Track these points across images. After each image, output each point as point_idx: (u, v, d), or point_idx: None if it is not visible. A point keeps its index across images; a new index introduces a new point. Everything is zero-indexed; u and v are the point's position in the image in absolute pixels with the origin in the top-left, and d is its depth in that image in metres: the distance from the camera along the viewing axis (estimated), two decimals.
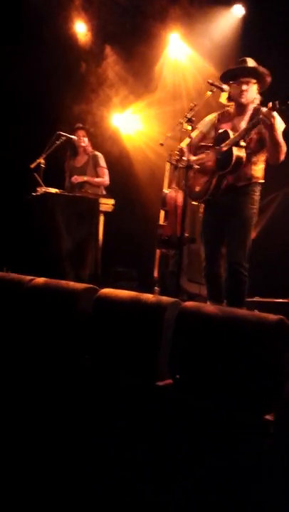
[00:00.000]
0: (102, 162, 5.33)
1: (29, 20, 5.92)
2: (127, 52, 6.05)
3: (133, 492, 1.81)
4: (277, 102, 3.12)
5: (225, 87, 3.49)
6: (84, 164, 5.35)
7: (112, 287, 2.30)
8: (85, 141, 5.32)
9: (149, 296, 2.11)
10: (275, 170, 3.53)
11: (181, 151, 3.42)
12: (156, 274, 4.76)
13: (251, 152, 3.40)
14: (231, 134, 3.40)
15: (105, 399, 2.00)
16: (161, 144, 3.49)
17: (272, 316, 1.74)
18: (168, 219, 4.19)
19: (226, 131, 3.45)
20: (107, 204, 5.05)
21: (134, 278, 5.34)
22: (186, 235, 4.08)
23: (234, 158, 3.33)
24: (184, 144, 3.50)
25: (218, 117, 3.62)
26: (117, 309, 2.11)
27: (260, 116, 3.19)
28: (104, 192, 5.31)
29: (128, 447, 1.88)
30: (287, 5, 4.82)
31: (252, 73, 3.44)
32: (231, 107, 3.57)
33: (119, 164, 6.08)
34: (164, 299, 2.07)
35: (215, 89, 3.52)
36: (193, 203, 3.79)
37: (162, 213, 4.44)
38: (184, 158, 3.37)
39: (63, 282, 2.38)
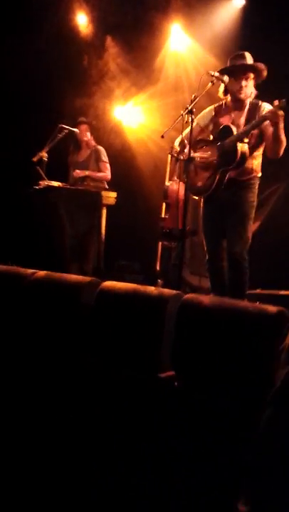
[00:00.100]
0: (104, 157, 5.33)
1: (30, 12, 5.90)
2: (128, 44, 6.03)
3: (135, 487, 1.83)
4: (284, 101, 3.15)
5: (225, 78, 3.49)
6: (86, 158, 5.35)
7: (116, 280, 2.31)
8: (87, 136, 5.32)
9: (151, 289, 2.12)
10: (276, 163, 3.57)
11: (182, 143, 3.43)
12: (158, 267, 4.77)
13: (251, 147, 3.44)
14: (234, 130, 3.41)
15: (108, 392, 2.02)
16: (162, 136, 3.49)
17: (272, 308, 1.75)
18: (169, 212, 4.19)
19: (228, 127, 3.46)
20: (109, 197, 5.06)
21: (137, 271, 5.35)
22: (188, 227, 4.09)
23: (239, 154, 3.36)
24: (183, 135, 3.51)
25: (215, 110, 3.63)
26: (119, 302, 2.12)
27: (268, 113, 3.19)
28: (106, 186, 5.32)
29: (130, 441, 1.90)
30: None
31: (250, 69, 3.45)
32: (228, 100, 3.58)
33: (122, 157, 6.07)
34: (166, 291, 2.08)
35: (215, 80, 3.52)
36: (195, 197, 3.81)
37: (164, 206, 4.44)
38: (186, 150, 3.38)
39: (66, 275, 2.39)
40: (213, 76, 3.51)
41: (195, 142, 3.59)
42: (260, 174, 3.56)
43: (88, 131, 5.35)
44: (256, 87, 3.53)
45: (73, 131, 5.15)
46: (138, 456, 1.87)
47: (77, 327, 2.20)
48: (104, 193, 4.98)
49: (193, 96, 3.53)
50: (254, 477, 1.22)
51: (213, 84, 3.56)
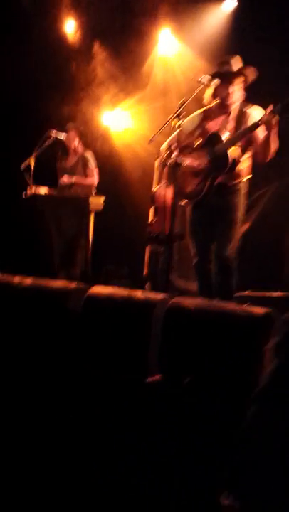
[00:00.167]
0: (91, 163, 5.34)
1: (18, 19, 5.90)
2: (116, 50, 6.04)
3: (128, 489, 1.83)
4: (279, 106, 3.18)
5: (216, 81, 3.50)
6: (74, 164, 5.35)
7: (104, 285, 2.31)
8: (75, 141, 5.33)
9: (138, 294, 2.12)
10: (265, 165, 3.58)
11: (169, 148, 3.44)
12: (145, 271, 4.78)
13: (240, 151, 3.45)
14: (223, 136, 3.43)
15: (96, 397, 2.01)
16: (150, 142, 3.50)
17: (259, 310, 1.76)
18: (157, 216, 4.20)
19: (216, 133, 3.48)
20: (97, 202, 5.05)
21: (126, 276, 5.35)
22: (176, 231, 4.09)
23: (230, 159, 3.40)
24: (170, 140, 3.53)
25: (202, 115, 3.64)
26: (106, 307, 2.12)
27: (263, 119, 3.24)
28: (94, 191, 5.32)
29: (120, 444, 1.89)
30: None
31: (236, 75, 3.48)
32: (215, 104, 3.60)
33: (109, 162, 6.07)
34: (153, 295, 2.08)
35: (203, 87, 3.53)
36: (182, 202, 3.83)
37: (152, 210, 4.45)
38: (173, 155, 3.39)
39: (53, 282, 2.38)
40: (200, 82, 3.52)
41: (182, 147, 3.60)
42: (248, 177, 3.58)
43: (77, 137, 5.35)
44: (245, 89, 3.55)
45: (61, 138, 5.15)
46: (125, 460, 1.86)
47: (64, 333, 2.19)
48: (91, 199, 4.97)
49: (181, 101, 3.55)
50: (239, 472, 1.22)
51: (201, 89, 3.57)
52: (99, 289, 2.21)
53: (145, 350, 1.95)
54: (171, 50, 5.88)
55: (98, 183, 5.37)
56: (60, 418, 2.07)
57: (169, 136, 3.61)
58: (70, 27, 6.15)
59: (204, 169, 3.53)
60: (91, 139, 5.97)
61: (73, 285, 2.29)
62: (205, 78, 3.49)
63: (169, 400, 1.85)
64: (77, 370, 2.11)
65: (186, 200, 3.71)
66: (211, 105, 3.62)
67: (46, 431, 2.08)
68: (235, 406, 1.66)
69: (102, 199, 5.10)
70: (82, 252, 4.61)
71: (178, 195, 3.62)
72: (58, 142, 5.20)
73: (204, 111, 3.65)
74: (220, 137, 3.46)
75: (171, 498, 1.74)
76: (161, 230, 3.89)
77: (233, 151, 3.42)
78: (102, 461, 1.93)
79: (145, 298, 2.06)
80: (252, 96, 3.65)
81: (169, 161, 3.46)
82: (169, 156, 3.46)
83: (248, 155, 3.52)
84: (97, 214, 5.07)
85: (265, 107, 3.34)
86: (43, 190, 4.76)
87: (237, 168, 3.49)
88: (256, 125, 3.31)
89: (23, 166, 4.85)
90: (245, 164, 3.53)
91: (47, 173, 5.24)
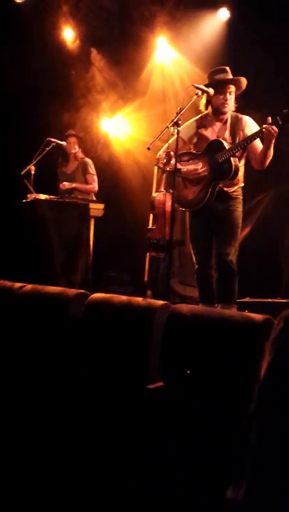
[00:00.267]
0: (92, 169, 5.37)
1: (17, 28, 5.95)
2: (115, 57, 6.09)
3: (132, 488, 1.84)
4: (279, 118, 3.27)
5: (210, 90, 3.54)
6: (73, 171, 5.39)
7: (105, 292, 2.32)
8: (75, 148, 5.36)
9: (139, 300, 2.13)
10: (262, 172, 3.64)
11: (168, 154, 3.47)
12: (146, 277, 4.79)
13: (237, 159, 3.51)
14: (226, 144, 3.47)
15: (97, 404, 2.02)
16: (148, 149, 3.53)
17: (258, 316, 1.77)
18: (157, 222, 4.22)
19: (219, 141, 3.53)
20: (97, 209, 5.08)
21: (126, 282, 5.37)
22: (175, 237, 4.12)
23: (234, 167, 3.48)
24: (168, 146, 3.57)
25: (197, 123, 3.69)
26: (107, 314, 2.13)
27: (264, 129, 3.30)
28: (93, 198, 5.35)
29: (120, 451, 1.90)
30: (270, 8, 4.88)
31: (233, 83, 3.54)
32: (209, 112, 3.65)
33: (109, 168, 6.11)
34: (154, 302, 2.09)
35: (200, 93, 3.57)
36: (182, 208, 3.87)
37: (151, 217, 4.48)
38: (172, 162, 3.43)
39: (53, 288, 2.39)
40: (198, 89, 3.56)
41: (181, 154, 3.64)
42: (243, 184, 3.67)
43: (76, 144, 5.40)
44: (238, 97, 3.61)
45: (61, 145, 5.18)
46: (126, 466, 1.87)
47: (65, 340, 2.20)
48: (92, 205, 5.00)
49: (178, 108, 3.58)
50: (243, 468, 1.24)
51: (198, 96, 3.62)
52: (100, 296, 2.22)
53: (146, 356, 1.96)
54: (169, 57, 5.94)
55: (98, 190, 5.40)
56: (61, 422, 2.08)
57: (167, 142, 3.65)
58: (70, 35, 6.20)
59: (206, 177, 3.58)
60: (91, 145, 6.01)
61: (74, 291, 2.29)
62: (201, 87, 3.53)
63: (169, 404, 1.86)
64: (77, 375, 2.12)
65: (188, 209, 3.75)
66: (206, 112, 3.67)
67: (47, 434, 2.09)
68: (235, 411, 1.67)
69: (101, 206, 5.12)
70: (83, 258, 4.62)
71: (179, 205, 3.69)
72: (58, 148, 5.23)
73: (199, 119, 3.70)
74: (222, 145, 3.52)
75: (171, 499, 1.75)
76: (161, 236, 3.91)
77: (235, 160, 3.51)
78: (102, 463, 1.94)
79: (146, 304, 2.07)
80: (246, 104, 3.71)
81: (168, 167, 3.50)
82: (167, 162, 3.49)
83: (243, 162, 3.58)
84: (97, 221, 5.09)
85: (260, 115, 3.42)
86: (43, 197, 4.78)
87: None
88: (259, 134, 3.37)
89: (23, 172, 4.88)
90: (241, 171, 3.60)
91: (47, 180, 5.27)
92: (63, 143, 5.23)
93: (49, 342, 2.23)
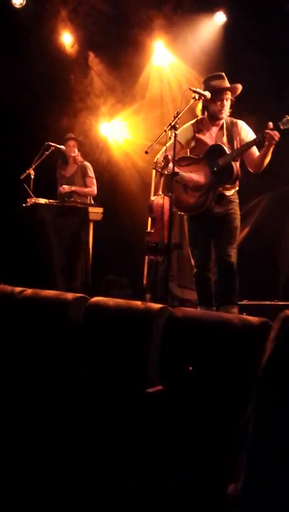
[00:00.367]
0: (91, 172, 5.40)
1: (16, 32, 5.97)
2: (113, 61, 6.12)
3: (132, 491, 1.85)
4: (280, 124, 3.33)
5: (207, 93, 3.57)
6: (73, 174, 5.41)
7: (105, 296, 2.33)
8: (75, 151, 5.39)
9: (138, 304, 2.15)
10: (259, 176, 3.68)
11: (166, 158, 3.49)
12: (145, 281, 4.81)
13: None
14: (227, 149, 3.50)
15: (97, 407, 2.04)
16: (146, 152, 3.55)
17: (255, 319, 1.79)
18: (155, 226, 4.24)
19: (219, 146, 3.57)
20: (96, 212, 5.10)
21: (126, 286, 5.38)
22: (174, 241, 4.14)
23: (236, 172, 3.54)
24: (166, 150, 3.60)
25: (194, 127, 3.71)
26: (107, 317, 2.15)
27: (266, 134, 3.35)
28: (92, 201, 5.37)
29: (120, 454, 1.92)
30: (267, 12, 4.91)
31: (230, 90, 3.59)
32: (205, 117, 3.68)
33: (108, 172, 6.13)
34: (153, 305, 2.11)
35: (197, 96, 3.60)
36: (181, 212, 3.90)
37: (150, 220, 4.49)
38: (170, 165, 3.45)
39: (53, 292, 2.40)
40: (195, 92, 3.59)
41: (180, 159, 3.67)
42: (238, 188, 3.72)
43: (76, 147, 5.42)
44: (232, 102, 3.65)
45: (60, 148, 5.21)
46: (124, 471, 1.88)
47: (65, 344, 2.22)
48: (90, 209, 5.02)
49: (176, 112, 3.61)
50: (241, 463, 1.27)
51: (195, 100, 3.64)
52: (99, 299, 2.23)
53: (145, 359, 1.97)
54: (166, 61, 5.97)
55: (97, 193, 5.42)
56: (61, 425, 2.09)
57: (164, 146, 3.67)
58: (68, 39, 6.22)
59: (208, 181, 3.60)
60: (89, 149, 6.03)
61: (73, 295, 2.31)
62: (198, 90, 3.56)
63: (168, 407, 1.88)
64: (77, 379, 2.14)
65: (189, 213, 3.78)
66: (202, 118, 3.70)
67: (47, 437, 2.10)
68: (233, 413, 1.69)
69: (100, 209, 5.14)
70: (82, 261, 4.64)
71: (178, 209, 3.72)
72: (57, 152, 5.25)
73: (195, 123, 3.72)
74: (223, 149, 3.55)
75: (170, 502, 1.77)
76: (159, 239, 3.92)
77: (236, 164, 3.56)
78: (102, 467, 1.95)
79: (145, 307, 2.08)
80: (242, 108, 3.75)
81: (166, 171, 3.52)
82: (165, 166, 3.51)
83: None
84: (96, 224, 5.11)
85: (256, 118, 3.46)
86: (42, 201, 4.80)
87: None
88: (260, 139, 3.40)
89: (22, 176, 4.90)
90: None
91: (47, 184, 5.29)
92: (62, 147, 5.26)
93: (49, 346, 2.24)
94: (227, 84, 3.61)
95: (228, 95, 3.59)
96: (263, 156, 3.47)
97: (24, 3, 5.93)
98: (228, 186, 3.62)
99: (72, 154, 5.39)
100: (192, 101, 3.63)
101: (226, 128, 3.64)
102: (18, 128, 5.89)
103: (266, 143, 3.39)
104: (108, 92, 6.21)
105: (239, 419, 1.59)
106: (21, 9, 5.98)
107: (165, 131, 3.54)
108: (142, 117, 6.07)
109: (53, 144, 5.09)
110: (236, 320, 1.86)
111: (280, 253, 4.67)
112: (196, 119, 3.73)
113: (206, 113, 3.68)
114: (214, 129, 3.68)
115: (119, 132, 6.30)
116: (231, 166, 3.53)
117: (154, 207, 4.30)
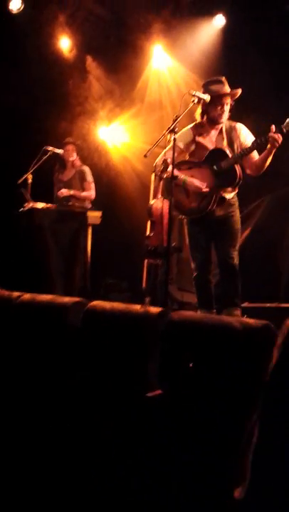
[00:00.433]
0: (89, 176, 5.39)
1: (14, 38, 5.97)
2: (112, 65, 6.12)
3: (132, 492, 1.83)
4: (283, 127, 3.35)
5: (206, 96, 3.56)
6: (71, 178, 5.40)
7: (104, 299, 2.32)
8: (73, 155, 5.38)
9: (137, 307, 2.13)
10: (259, 178, 3.67)
11: (165, 162, 3.49)
12: (144, 284, 4.79)
13: None
14: (228, 153, 3.49)
15: (97, 411, 2.02)
16: (145, 156, 3.54)
17: (257, 322, 1.77)
18: (154, 229, 4.23)
19: (221, 149, 3.56)
20: (94, 216, 5.09)
21: (125, 289, 5.36)
22: (173, 244, 4.13)
23: (238, 175, 3.54)
24: (165, 154, 3.60)
25: (194, 131, 3.71)
26: (105, 322, 2.13)
27: (269, 138, 3.36)
28: (90, 205, 5.36)
29: (119, 457, 1.90)
30: (266, 14, 4.92)
31: (230, 95, 3.60)
32: (204, 121, 3.67)
33: (106, 176, 6.13)
34: (152, 309, 2.09)
35: (196, 100, 3.59)
36: (182, 216, 3.89)
37: (149, 224, 4.49)
38: (169, 169, 3.44)
39: (52, 297, 2.39)
40: (194, 95, 3.58)
41: (180, 163, 3.66)
42: (237, 190, 3.72)
43: (74, 152, 5.42)
44: (231, 105, 3.65)
45: (58, 153, 5.20)
46: (123, 476, 1.86)
47: (64, 348, 2.20)
48: (89, 213, 5.01)
49: (175, 116, 3.59)
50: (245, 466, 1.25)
51: (194, 103, 3.64)
52: (98, 303, 2.21)
53: (144, 363, 1.95)
54: (165, 64, 5.97)
55: (95, 197, 5.41)
56: (61, 429, 2.07)
57: (164, 149, 3.67)
58: (66, 44, 6.23)
59: (210, 185, 3.59)
60: (88, 153, 6.03)
61: (72, 300, 2.29)
62: (198, 94, 3.55)
63: (168, 410, 1.86)
64: (76, 383, 2.12)
65: (191, 216, 3.77)
66: (201, 122, 3.69)
67: (47, 441, 2.08)
68: (234, 417, 1.66)
69: (99, 213, 5.14)
70: (81, 266, 4.63)
71: (180, 212, 3.71)
72: (55, 157, 5.25)
73: (194, 127, 3.71)
74: (225, 153, 3.54)
75: (169, 505, 1.75)
76: (159, 243, 3.92)
77: (238, 167, 3.57)
78: (101, 470, 1.93)
79: (144, 311, 2.06)
80: (241, 112, 3.74)
81: (165, 175, 3.51)
82: (164, 170, 3.50)
83: None
84: (95, 228, 5.10)
85: (255, 120, 3.45)
86: (40, 205, 4.79)
87: None
88: (261, 142, 3.40)
89: (20, 181, 4.89)
90: None
91: (44, 188, 5.28)
92: (60, 151, 5.25)
93: (48, 351, 2.22)
94: (227, 89, 3.60)
95: (228, 100, 3.59)
96: (264, 159, 3.48)
97: (21, 9, 5.94)
98: (229, 189, 3.62)
99: (71, 158, 5.38)
100: (191, 104, 3.63)
101: (226, 132, 3.65)
102: (17, 132, 5.89)
103: (269, 146, 3.39)
104: (107, 96, 6.21)
105: (243, 423, 1.57)
106: (19, 14, 5.98)
107: (164, 134, 3.53)
108: (140, 121, 6.07)
109: (50, 148, 5.08)
110: (237, 323, 1.84)
111: (281, 254, 4.66)
112: (194, 123, 3.72)
113: (205, 117, 3.66)
114: (213, 133, 3.68)
115: (118, 136, 6.29)
116: (234, 169, 3.53)
117: (154, 210, 4.29)
